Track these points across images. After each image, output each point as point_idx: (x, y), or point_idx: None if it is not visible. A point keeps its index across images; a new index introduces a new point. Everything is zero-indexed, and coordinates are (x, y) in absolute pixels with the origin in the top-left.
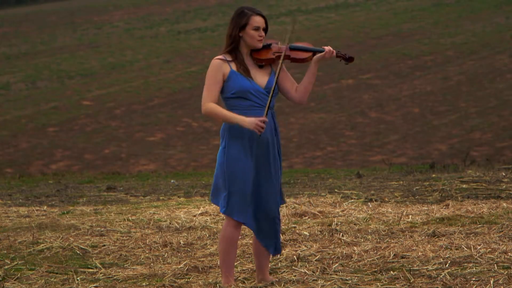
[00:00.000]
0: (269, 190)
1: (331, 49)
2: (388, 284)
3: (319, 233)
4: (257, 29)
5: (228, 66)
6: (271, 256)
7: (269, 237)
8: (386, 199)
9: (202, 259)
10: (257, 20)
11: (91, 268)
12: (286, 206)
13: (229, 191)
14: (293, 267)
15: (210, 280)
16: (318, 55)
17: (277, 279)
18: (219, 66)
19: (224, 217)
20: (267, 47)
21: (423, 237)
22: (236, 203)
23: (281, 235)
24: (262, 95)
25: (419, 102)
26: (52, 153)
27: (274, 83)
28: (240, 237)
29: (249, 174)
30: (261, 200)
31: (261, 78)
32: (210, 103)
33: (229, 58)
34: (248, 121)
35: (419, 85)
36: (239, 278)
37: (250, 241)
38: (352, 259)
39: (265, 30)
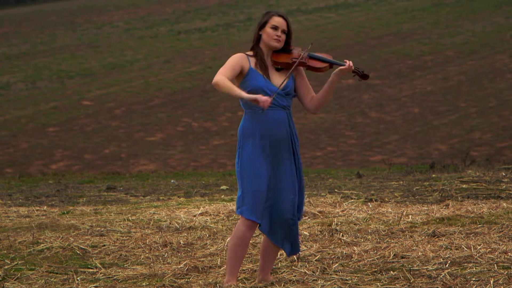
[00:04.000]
0: (284, 190)
1: (351, 64)
2: (388, 284)
3: (319, 233)
4: (275, 28)
5: (248, 62)
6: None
7: (285, 238)
8: (386, 199)
9: (202, 259)
10: (277, 20)
11: (91, 268)
12: None
13: (243, 191)
14: (293, 267)
15: (210, 280)
16: (338, 68)
17: (277, 279)
18: (240, 58)
19: (240, 217)
20: (288, 51)
21: (423, 237)
22: (249, 203)
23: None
24: (278, 95)
25: (419, 102)
26: (52, 153)
27: (281, 83)
28: None
29: (263, 173)
30: (276, 200)
31: (278, 79)
32: (222, 76)
33: (250, 54)
34: (249, 95)
35: (419, 85)
36: (239, 278)
37: (251, 241)
38: (352, 259)
39: (288, 34)
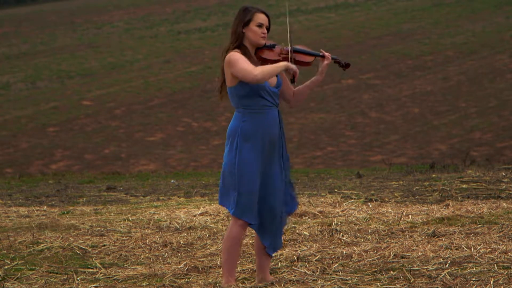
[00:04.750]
0: (274, 187)
1: (328, 54)
2: (388, 284)
3: (319, 233)
4: (260, 25)
5: None
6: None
7: (271, 235)
8: (386, 199)
9: (202, 259)
10: (261, 17)
11: (91, 268)
12: None
13: (239, 192)
14: (293, 267)
15: (210, 280)
16: (323, 65)
17: (277, 279)
18: (242, 55)
19: (230, 217)
20: (270, 47)
21: (423, 237)
22: (245, 204)
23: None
24: (274, 94)
25: (419, 102)
26: (52, 153)
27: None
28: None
29: (258, 175)
30: (267, 197)
31: None
32: (256, 68)
33: (239, 52)
34: (290, 64)
35: (419, 85)
36: (239, 278)
37: (250, 241)
38: (352, 259)
39: (268, 29)
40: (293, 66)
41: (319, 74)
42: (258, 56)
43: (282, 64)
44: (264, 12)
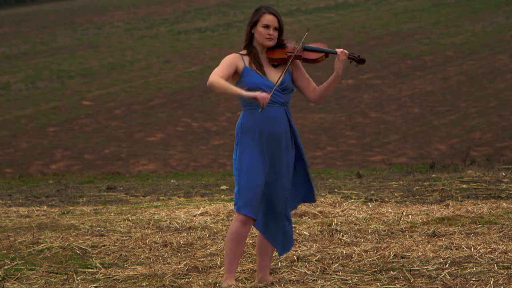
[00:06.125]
0: (278, 186)
1: (344, 50)
2: (388, 284)
3: (319, 233)
4: (266, 27)
5: (242, 62)
6: (274, 255)
7: (277, 235)
8: (386, 199)
9: (202, 259)
10: (268, 18)
11: (91, 268)
12: None
13: (239, 186)
14: (293, 267)
15: (210, 280)
16: (336, 60)
17: (277, 279)
18: (234, 58)
19: (232, 216)
20: (282, 46)
21: (423, 237)
22: (245, 198)
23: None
24: (275, 91)
25: (419, 102)
26: (52, 153)
27: (278, 78)
28: None
29: (260, 169)
30: (270, 196)
31: (275, 75)
32: (216, 76)
33: (244, 53)
34: (248, 92)
35: (419, 85)
36: (239, 278)
37: (250, 241)
38: (352, 259)
39: (280, 30)
40: (249, 95)
41: (334, 72)
42: (266, 55)
43: (236, 91)
44: (273, 13)
